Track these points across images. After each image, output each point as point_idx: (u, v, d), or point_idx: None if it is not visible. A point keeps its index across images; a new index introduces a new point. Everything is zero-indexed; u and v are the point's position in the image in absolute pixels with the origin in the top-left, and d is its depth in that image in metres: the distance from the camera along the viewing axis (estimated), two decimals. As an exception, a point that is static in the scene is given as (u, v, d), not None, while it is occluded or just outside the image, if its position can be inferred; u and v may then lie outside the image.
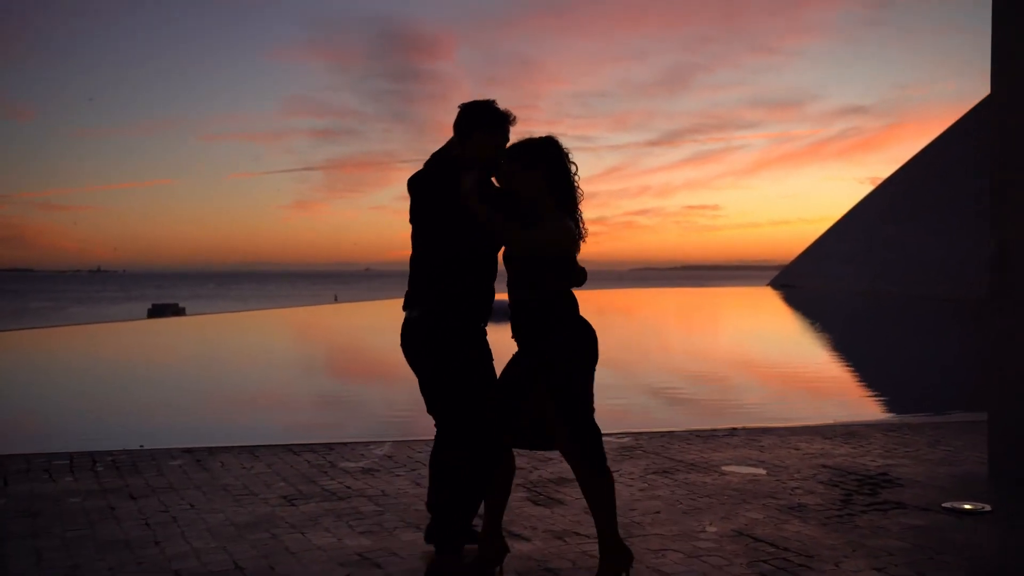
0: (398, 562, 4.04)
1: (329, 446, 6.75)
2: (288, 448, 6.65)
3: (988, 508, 4.93)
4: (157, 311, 41.62)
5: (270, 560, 4.08)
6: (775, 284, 71.46)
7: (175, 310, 42.16)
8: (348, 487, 5.48)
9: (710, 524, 4.66)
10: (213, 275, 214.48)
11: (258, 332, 25.79)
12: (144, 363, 16.39)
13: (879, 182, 56.48)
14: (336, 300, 53.97)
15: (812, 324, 27.77)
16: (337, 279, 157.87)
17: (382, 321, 30.21)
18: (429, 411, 3.91)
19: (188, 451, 6.54)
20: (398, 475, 5.81)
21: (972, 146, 38.91)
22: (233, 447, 6.71)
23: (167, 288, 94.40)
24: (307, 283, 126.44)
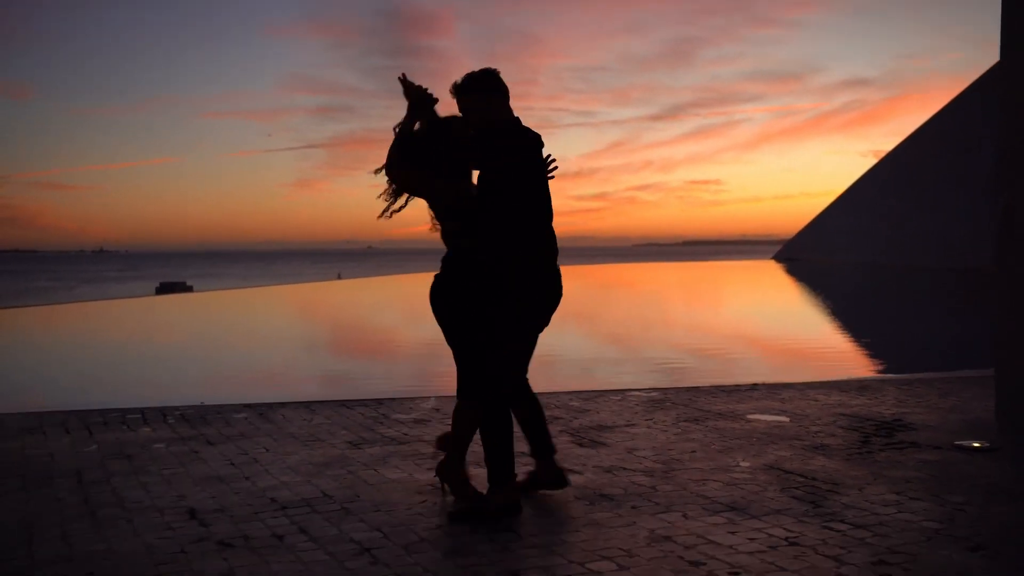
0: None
1: (379, 401, 7.23)
2: (342, 403, 7.13)
3: (996, 448, 5.41)
4: (165, 289, 42.16)
5: (353, 490, 4.56)
6: (779, 258, 71.83)
7: (183, 288, 42.70)
8: (405, 434, 5.96)
9: (743, 460, 5.14)
10: (217, 254, 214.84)
11: (270, 306, 26.28)
12: (176, 333, 16.89)
13: (883, 155, 56.69)
14: (340, 277, 54.46)
15: (819, 294, 28.20)
16: (340, 257, 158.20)
17: (391, 295, 30.69)
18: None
19: (248, 406, 7.02)
20: (448, 424, 6.27)
21: (977, 118, 39.19)
22: (289, 403, 7.18)
23: (171, 267, 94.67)
24: (310, 261, 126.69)
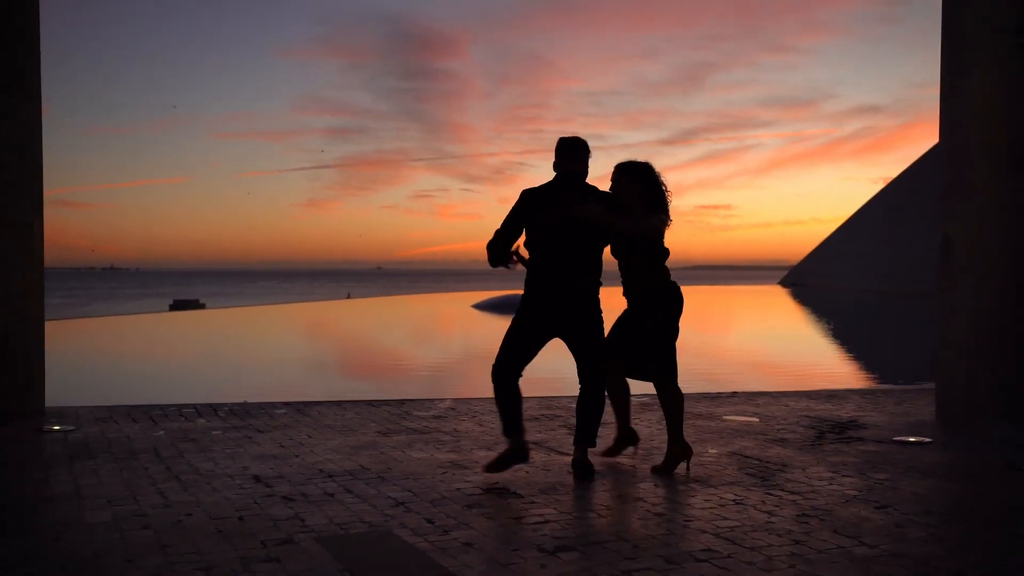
0: (478, 467, 5.49)
1: (400, 401, 8.22)
2: (368, 403, 8.12)
3: (929, 440, 6.37)
4: (179, 306, 43.31)
5: (386, 465, 5.54)
6: (784, 283, 72.73)
7: (196, 305, 43.83)
8: (426, 427, 6.95)
9: (712, 448, 6.11)
10: (227, 273, 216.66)
11: (285, 323, 27.32)
12: (200, 345, 17.93)
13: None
14: (349, 297, 55.64)
15: (813, 316, 29.13)
16: (349, 277, 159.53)
17: (400, 314, 31.69)
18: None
19: (287, 404, 8.01)
20: (463, 420, 7.26)
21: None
22: (322, 401, 8.18)
23: (182, 285, 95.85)
24: (320, 281, 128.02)
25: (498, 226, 5.28)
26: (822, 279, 63.26)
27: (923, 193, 48.05)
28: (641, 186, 5.39)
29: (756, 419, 7.33)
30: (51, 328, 21.82)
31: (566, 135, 5.31)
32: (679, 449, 5.38)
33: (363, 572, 3.56)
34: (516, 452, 5.19)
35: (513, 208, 5.27)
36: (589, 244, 5.24)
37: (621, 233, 5.30)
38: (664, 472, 5.33)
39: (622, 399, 5.76)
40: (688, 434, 6.60)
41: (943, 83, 7.09)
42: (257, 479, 5.14)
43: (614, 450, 5.84)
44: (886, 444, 6.28)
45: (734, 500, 4.70)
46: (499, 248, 5.26)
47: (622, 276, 5.50)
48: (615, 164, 5.50)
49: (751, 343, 19.06)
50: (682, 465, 5.45)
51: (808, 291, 54.95)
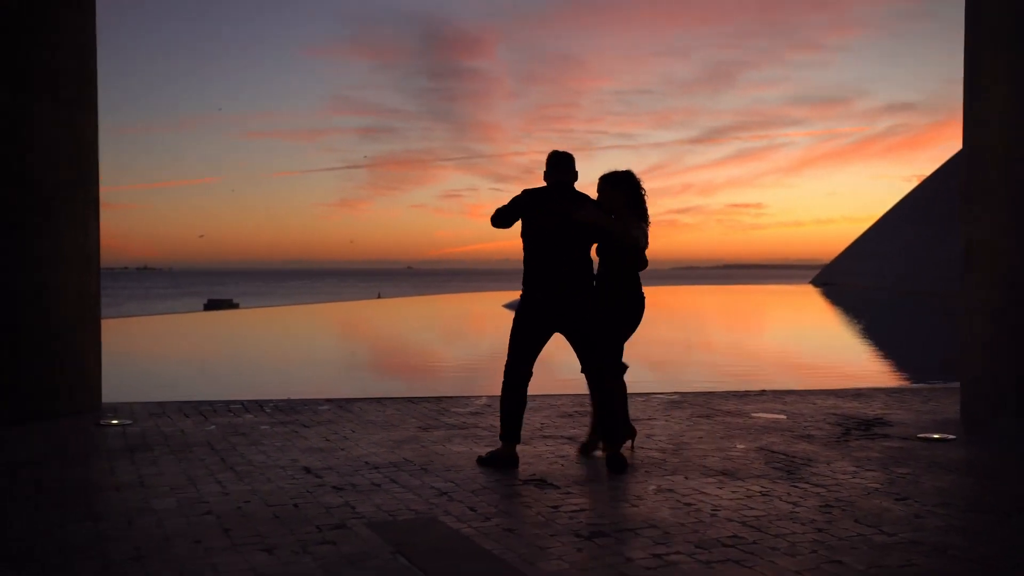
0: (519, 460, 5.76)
1: (438, 399, 8.51)
2: (408, 399, 8.42)
3: (953, 437, 6.56)
4: (212, 305, 44.00)
5: (427, 458, 5.83)
6: (816, 282, 72.41)
7: (229, 305, 44.51)
8: (464, 422, 7.22)
9: (740, 444, 6.34)
10: (258, 272, 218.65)
11: (318, 322, 27.76)
12: (238, 344, 18.35)
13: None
14: (380, 297, 56.19)
15: (843, 315, 29.14)
16: (379, 277, 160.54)
17: (431, 313, 32.04)
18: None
19: (329, 400, 8.33)
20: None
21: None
22: (362, 398, 8.48)
23: (214, 285, 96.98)
24: (351, 280, 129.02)
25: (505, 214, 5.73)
26: (854, 278, 62.96)
27: (955, 191, 47.68)
28: (623, 192, 5.83)
29: (784, 416, 7.54)
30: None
31: (558, 149, 5.79)
32: (626, 430, 5.87)
33: (413, 555, 3.84)
34: (508, 459, 5.62)
35: (516, 200, 5.69)
36: (585, 246, 5.70)
37: (612, 236, 5.68)
38: (611, 455, 5.64)
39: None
40: (716, 430, 6.84)
41: (965, 85, 7.26)
42: (307, 470, 5.44)
43: (589, 446, 6.02)
44: (910, 441, 6.48)
45: (760, 492, 4.94)
46: (502, 218, 5.71)
47: (599, 274, 5.84)
48: (600, 176, 5.94)
49: (781, 342, 19.21)
50: (628, 444, 6.00)
51: (840, 290, 54.72)
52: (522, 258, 5.76)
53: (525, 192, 5.72)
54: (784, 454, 5.97)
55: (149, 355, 15.70)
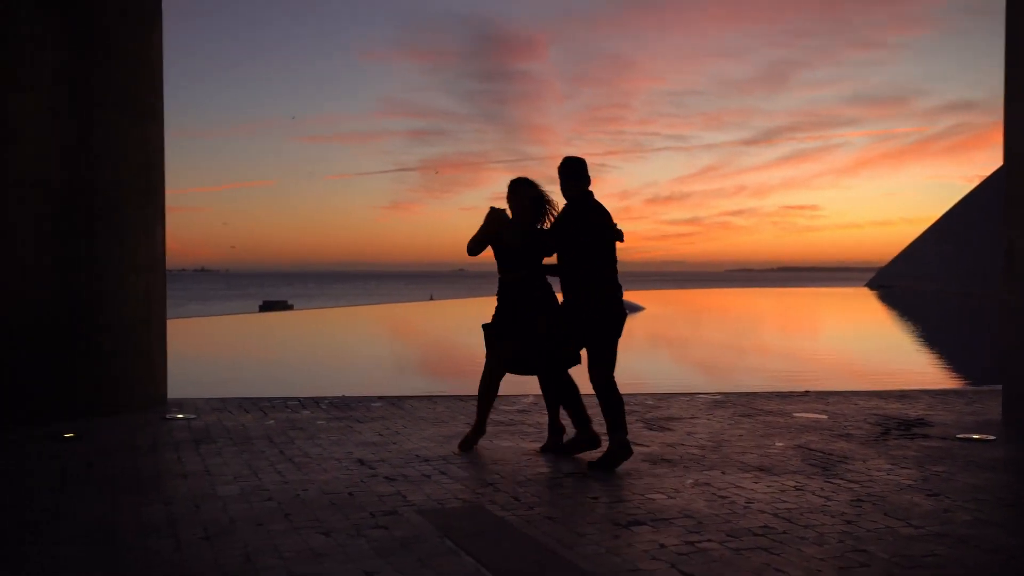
0: (562, 456, 6.00)
1: (487, 396, 8.77)
2: (457, 398, 8.70)
3: (992, 438, 6.65)
4: (268, 307, 44.88)
5: (475, 452, 6.09)
6: (872, 285, 71.49)
7: (284, 306, 45.35)
8: (511, 419, 7.48)
9: (779, 441, 6.51)
10: (311, 274, 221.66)
11: (371, 323, 28.22)
12: (293, 344, 18.83)
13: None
14: (432, 299, 56.79)
15: (897, 319, 28.87)
16: (431, 279, 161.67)
17: (481, 315, 32.25)
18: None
19: (382, 397, 8.64)
20: (545, 415, 7.77)
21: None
22: (414, 396, 8.79)
23: (269, 287, 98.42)
24: (403, 283, 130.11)
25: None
26: (910, 281, 62.06)
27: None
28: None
29: (825, 416, 7.68)
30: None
31: (572, 155, 6.02)
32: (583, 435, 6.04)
33: (460, 539, 4.10)
34: (626, 449, 5.71)
35: (595, 224, 5.84)
36: None
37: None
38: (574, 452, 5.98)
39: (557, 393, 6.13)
40: (757, 429, 7.01)
41: (1007, 88, 7.34)
42: (361, 462, 5.74)
43: (552, 446, 6.19)
44: (949, 441, 6.59)
45: (794, 486, 5.12)
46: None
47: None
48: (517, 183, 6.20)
49: (829, 345, 19.18)
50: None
51: (895, 293, 54.03)
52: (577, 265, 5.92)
53: (593, 211, 5.88)
54: (821, 452, 6.13)
55: (210, 353, 16.30)
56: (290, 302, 48.31)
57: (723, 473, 5.47)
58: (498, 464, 5.71)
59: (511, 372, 6.16)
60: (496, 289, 6.25)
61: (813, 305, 43.20)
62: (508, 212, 6.18)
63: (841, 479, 5.31)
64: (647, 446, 6.32)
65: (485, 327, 6.23)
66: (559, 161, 6.17)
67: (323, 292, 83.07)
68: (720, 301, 48.26)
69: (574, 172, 6.01)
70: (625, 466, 5.67)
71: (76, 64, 7.24)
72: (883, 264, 74.69)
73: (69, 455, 5.94)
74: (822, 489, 5.05)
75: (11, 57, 6.88)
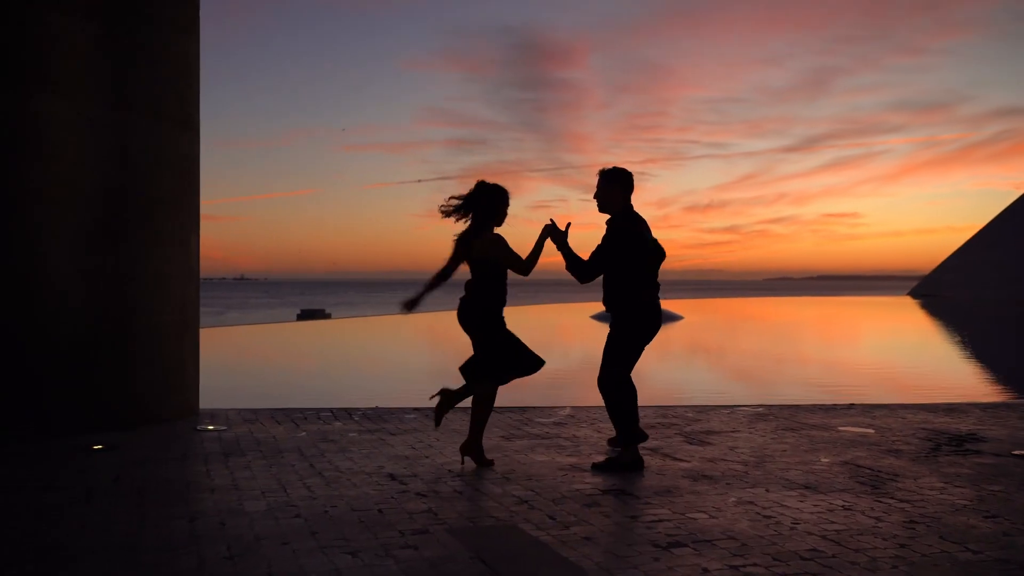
0: (599, 471, 5.81)
1: (522, 408, 8.61)
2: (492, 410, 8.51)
3: (1049, 455, 6.35)
4: (306, 315, 45.06)
5: (510, 467, 5.92)
6: (915, 294, 70.34)
7: (322, 315, 45.50)
8: (547, 432, 7.30)
9: (824, 457, 6.26)
10: (351, 283, 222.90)
11: (404, 332, 28.16)
12: (328, 353, 18.78)
13: (1028, 189, 55.24)
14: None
15: (943, 328, 28.25)
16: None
17: (517, 325, 32.13)
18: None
19: (416, 409, 8.50)
20: (582, 427, 7.59)
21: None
22: (448, 407, 8.62)
23: (308, 295, 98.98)
24: (442, 291, 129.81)
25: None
26: (955, 289, 60.92)
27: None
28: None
29: (872, 431, 7.41)
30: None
31: (616, 165, 6.10)
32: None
33: (492, 560, 3.93)
34: (638, 460, 5.87)
35: (641, 239, 5.94)
36: None
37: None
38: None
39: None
40: (801, 444, 6.77)
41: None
42: (392, 477, 5.59)
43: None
44: (1004, 457, 6.31)
45: (843, 506, 4.89)
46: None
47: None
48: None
49: (873, 355, 18.75)
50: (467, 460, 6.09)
51: (940, 302, 53.05)
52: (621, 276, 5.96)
53: (636, 221, 5.97)
54: (870, 468, 5.88)
55: (245, 363, 16.28)
56: (328, 311, 48.48)
57: (767, 491, 5.25)
58: (533, 480, 5.54)
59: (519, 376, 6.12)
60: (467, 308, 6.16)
61: (855, 314, 42.51)
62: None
63: (892, 498, 5.07)
64: (687, 461, 6.11)
65: (488, 366, 6.06)
66: (600, 168, 6.10)
67: (362, 300, 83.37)
68: (760, 310, 47.67)
69: (624, 183, 6.06)
70: (665, 482, 5.47)
71: (113, 72, 7.19)
72: (926, 272, 73.44)
73: (97, 468, 5.86)
74: (872, 509, 4.82)
75: (47, 64, 6.84)
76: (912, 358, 18.55)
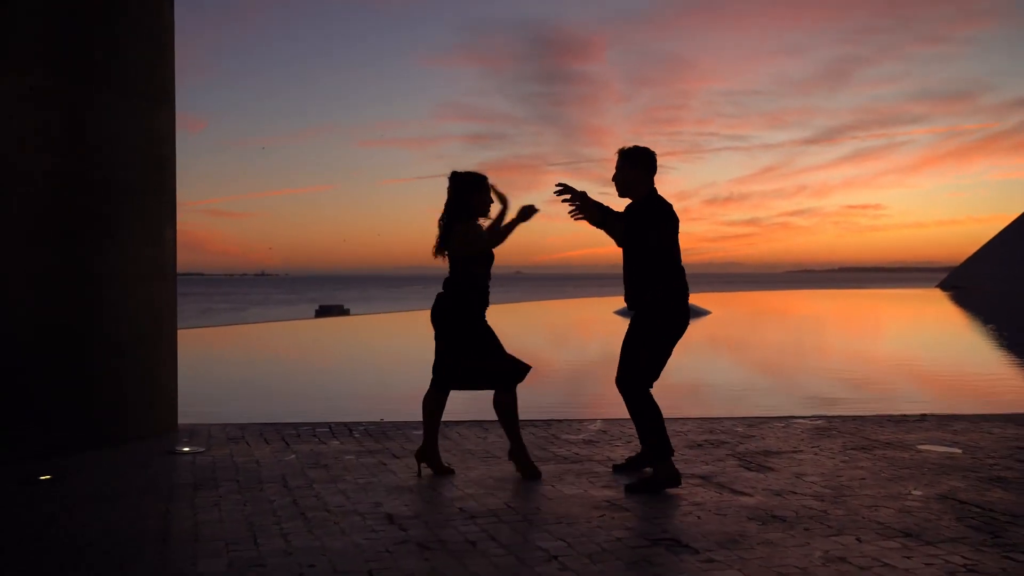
0: (643, 509, 4.75)
1: (547, 422, 7.54)
2: (512, 423, 7.46)
3: None
4: (324, 312, 44.19)
5: (534, 503, 4.86)
6: (944, 286, 68.74)
7: (340, 311, 44.62)
8: (577, 454, 6.24)
9: (915, 488, 5.17)
10: (370, 278, 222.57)
11: (422, 329, 27.18)
12: (340, 355, 17.79)
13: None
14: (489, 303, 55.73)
15: (989, 325, 26.96)
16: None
17: (538, 321, 31.03)
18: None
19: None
20: (616, 446, 6.53)
21: None
22: (463, 421, 7.58)
23: (327, 290, 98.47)
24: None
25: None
26: (986, 282, 59.31)
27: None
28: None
29: (959, 450, 6.31)
30: (201, 335, 22.27)
31: (638, 144, 5.38)
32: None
33: (512, 659, 2.88)
34: (675, 475, 5.18)
35: (673, 224, 5.29)
36: None
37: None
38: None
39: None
40: (880, 469, 5.68)
41: None
42: (390, 519, 4.55)
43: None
44: None
45: (963, 565, 3.80)
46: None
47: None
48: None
49: (924, 354, 17.55)
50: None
51: (973, 295, 51.50)
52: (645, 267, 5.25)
53: (665, 203, 5.31)
54: (978, 506, 4.78)
55: (246, 368, 15.25)
56: (347, 306, 47.60)
57: (859, 540, 4.17)
58: (563, 523, 4.47)
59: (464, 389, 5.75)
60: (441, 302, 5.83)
61: (888, 308, 41.14)
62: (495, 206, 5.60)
63: (1022, 552, 3.97)
64: (750, 495, 5.03)
65: (496, 365, 5.70)
66: (619, 148, 5.41)
67: (381, 295, 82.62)
68: (787, 304, 46.37)
69: (647, 164, 5.32)
70: (728, 526, 4.40)
71: (67, 38, 6.17)
72: (949, 264, 71.69)
73: (30, 509, 4.85)
74: (1005, 571, 3.72)
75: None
76: (968, 358, 17.32)
